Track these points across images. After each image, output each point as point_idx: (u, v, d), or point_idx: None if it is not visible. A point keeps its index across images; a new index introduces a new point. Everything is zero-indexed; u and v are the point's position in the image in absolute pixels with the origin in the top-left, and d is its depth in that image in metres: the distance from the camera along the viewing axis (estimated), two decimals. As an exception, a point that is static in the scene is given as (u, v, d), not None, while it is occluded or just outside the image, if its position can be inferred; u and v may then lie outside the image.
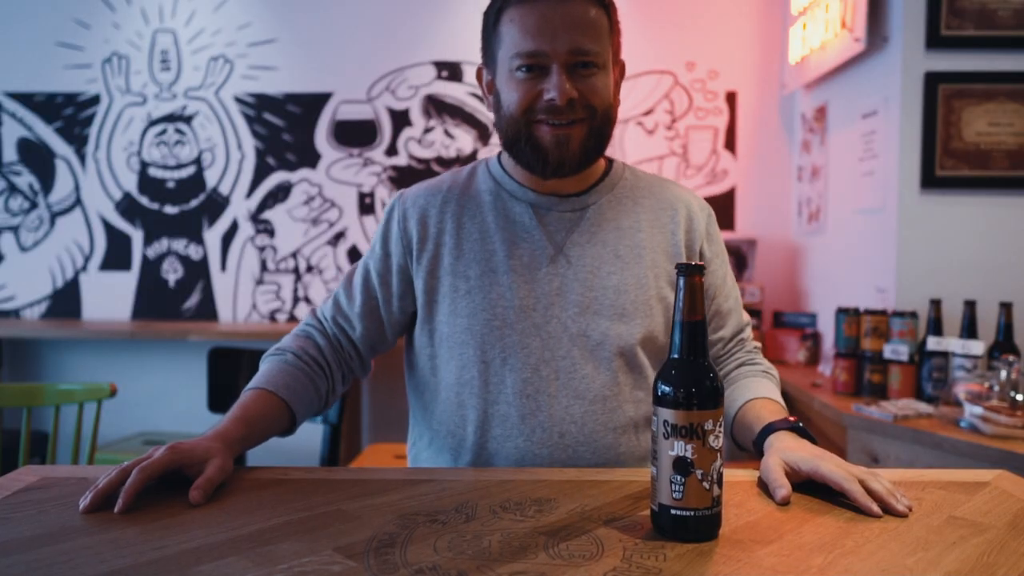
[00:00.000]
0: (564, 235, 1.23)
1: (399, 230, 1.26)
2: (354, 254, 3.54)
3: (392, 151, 3.52)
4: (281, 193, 3.55)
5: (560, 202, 1.24)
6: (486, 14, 1.22)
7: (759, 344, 1.37)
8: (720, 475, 0.85)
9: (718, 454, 0.84)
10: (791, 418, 1.11)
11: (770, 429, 1.09)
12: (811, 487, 1.00)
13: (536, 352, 1.19)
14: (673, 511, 0.84)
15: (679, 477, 0.84)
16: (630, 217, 1.26)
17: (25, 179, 3.58)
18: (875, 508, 0.93)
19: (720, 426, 0.85)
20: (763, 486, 1.04)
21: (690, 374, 0.85)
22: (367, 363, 1.33)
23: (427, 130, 3.51)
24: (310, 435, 2.98)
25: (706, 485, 0.83)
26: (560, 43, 1.13)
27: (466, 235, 1.23)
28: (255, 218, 3.56)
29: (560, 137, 1.16)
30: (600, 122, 1.18)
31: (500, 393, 1.19)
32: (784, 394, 2.97)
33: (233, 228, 3.56)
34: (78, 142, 3.57)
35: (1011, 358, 2.01)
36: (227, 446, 1.04)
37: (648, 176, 1.34)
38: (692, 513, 0.84)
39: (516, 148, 1.19)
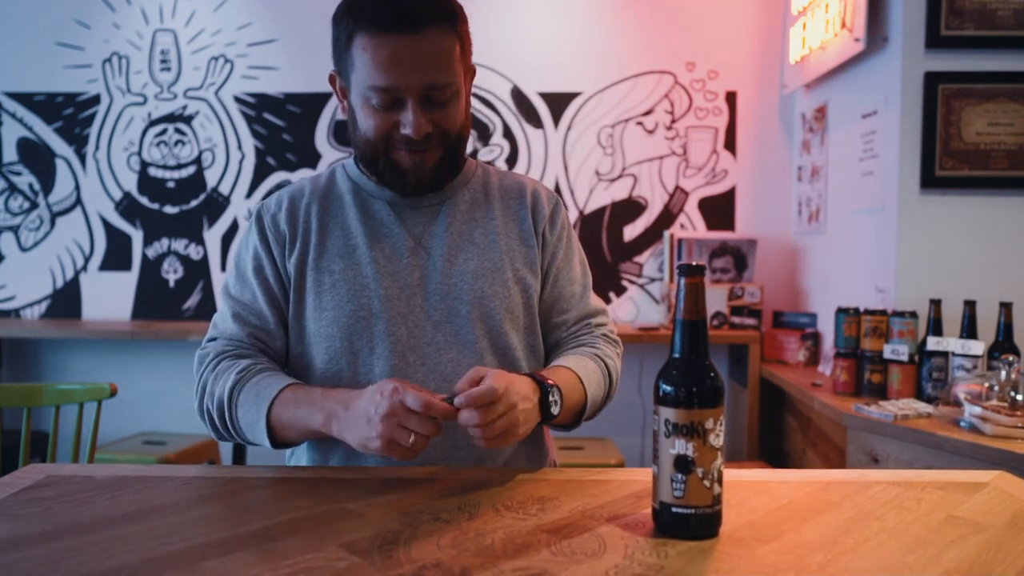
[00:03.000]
0: (422, 228, 1.27)
1: (273, 229, 1.27)
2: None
3: (392, 151, 3.52)
4: (281, 193, 3.55)
5: (417, 199, 1.28)
6: (336, 25, 1.19)
7: (616, 336, 1.39)
8: (720, 473, 0.86)
9: (719, 452, 0.85)
10: (550, 380, 1.13)
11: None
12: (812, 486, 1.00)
13: (403, 340, 1.21)
14: (674, 509, 0.85)
15: (680, 475, 0.84)
16: (483, 208, 1.31)
17: (25, 179, 3.59)
18: (464, 415, 1.00)
19: (721, 425, 0.85)
20: (762, 487, 1.04)
21: (691, 373, 0.85)
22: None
23: (427, 130, 3.51)
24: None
25: (707, 483, 0.84)
26: (413, 79, 1.14)
27: (329, 233, 1.26)
28: (255, 218, 3.55)
29: (417, 161, 1.20)
30: (454, 143, 1.22)
31: (369, 382, 1.19)
32: (784, 394, 2.98)
33: (233, 228, 3.57)
34: (78, 142, 3.57)
35: (1011, 358, 2.01)
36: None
37: (500, 171, 1.40)
38: (693, 511, 0.84)
39: (374, 167, 1.23)
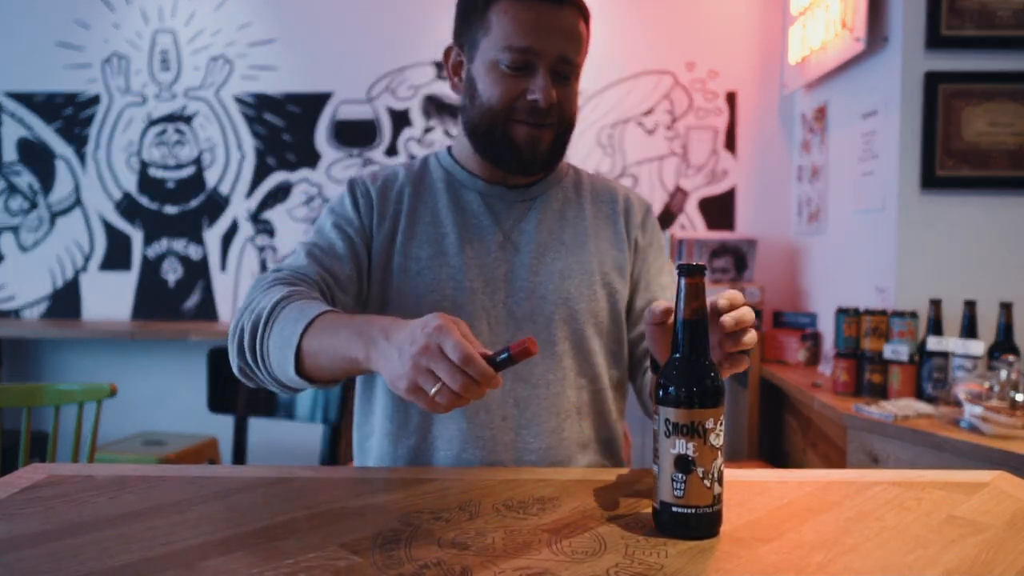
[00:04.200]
0: (512, 223, 1.26)
1: (365, 199, 1.25)
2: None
3: (392, 151, 3.52)
4: (281, 193, 3.55)
5: (508, 192, 1.27)
6: None
7: None
8: (721, 473, 0.86)
9: (719, 452, 0.85)
10: None
11: None
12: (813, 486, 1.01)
13: (483, 335, 1.20)
14: (674, 509, 0.85)
15: (680, 475, 0.84)
16: (574, 208, 1.30)
17: (25, 179, 3.59)
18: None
19: (721, 424, 0.85)
20: (762, 487, 1.04)
21: (691, 373, 0.85)
22: None
23: (427, 130, 3.52)
24: (310, 435, 2.98)
25: (707, 483, 0.84)
26: (551, 46, 1.15)
27: (419, 218, 1.25)
28: (255, 218, 3.56)
29: (534, 136, 1.19)
30: (565, 128, 1.22)
31: None
32: (784, 394, 2.98)
33: (233, 228, 3.57)
34: (78, 142, 3.57)
35: (1011, 358, 2.02)
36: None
37: (591, 173, 1.39)
38: (693, 511, 0.84)
39: (486, 140, 1.21)
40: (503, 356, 0.84)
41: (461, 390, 0.83)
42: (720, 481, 0.86)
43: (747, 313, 0.91)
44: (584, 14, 1.20)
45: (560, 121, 1.20)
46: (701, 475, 0.84)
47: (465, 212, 1.25)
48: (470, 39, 1.21)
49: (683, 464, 0.84)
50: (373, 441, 1.26)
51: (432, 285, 1.21)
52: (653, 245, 1.33)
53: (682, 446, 0.84)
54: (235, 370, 1.11)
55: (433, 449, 1.21)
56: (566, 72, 1.18)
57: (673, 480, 0.85)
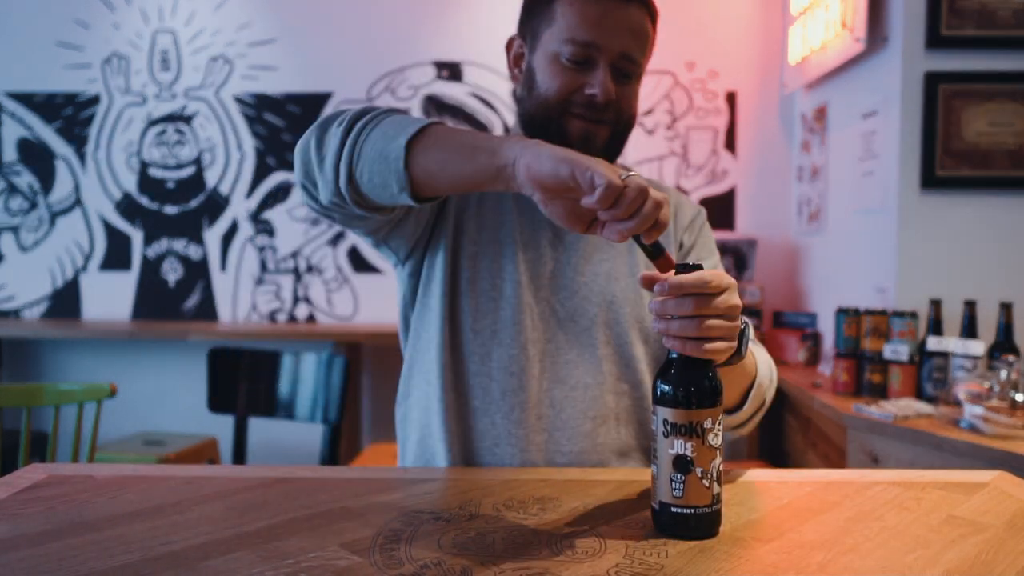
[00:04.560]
0: None
1: None
2: (354, 254, 3.54)
3: (392, 151, 3.52)
4: (281, 193, 3.55)
5: None
6: None
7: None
8: (720, 473, 0.85)
9: (717, 452, 0.84)
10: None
11: None
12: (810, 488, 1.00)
13: (526, 330, 1.18)
14: (673, 509, 0.85)
15: (679, 475, 0.84)
16: None
17: (25, 179, 3.59)
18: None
19: (719, 424, 0.85)
20: (762, 487, 1.04)
21: (689, 373, 0.85)
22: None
23: (427, 130, 3.51)
24: (310, 435, 2.99)
25: (706, 483, 0.84)
26: (614, 42, 1.13)
27: (487, 196, 1.23)
28: (255, 218, 3.56)
29: (589, 133, 1.16)
30: (623, 127, 1.19)
31: (483, 365, 1.18)
32: (784, 394, 2.98)
33: (233, 228, 3.57)
34: (78, 142, 3.57)
35: (1011, 358, 2.02)
36: None
37: (647, 178, 1.35)
38: (692, 511, 0.84)
39: (542, 132, 1.18)
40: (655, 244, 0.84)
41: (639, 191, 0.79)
42: (719, 481, 0.85)
43: (721, 287, 0.84)
44: (652, 14, 1.18)
45: (618, 119, 1.17)
46: (700, 475, 0.84)
47: (523, 203, 1.23)
48: (533, 31, 1.20)
49: (681, 464, 0.84)
50: (415, 413, 1.24)
51: (485, 272, 1.19)
52: (698, 246, 1.30)
53: (680, 446, 0.84)
54: (299, 170, 1.04)
55: (467, 440, 1.20)
56: (628, 70, 1.16)
57: (672, 480, 0.85)
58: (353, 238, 3.54)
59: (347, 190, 0.98)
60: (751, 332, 1.00)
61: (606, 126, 1.17)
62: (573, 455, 1.18)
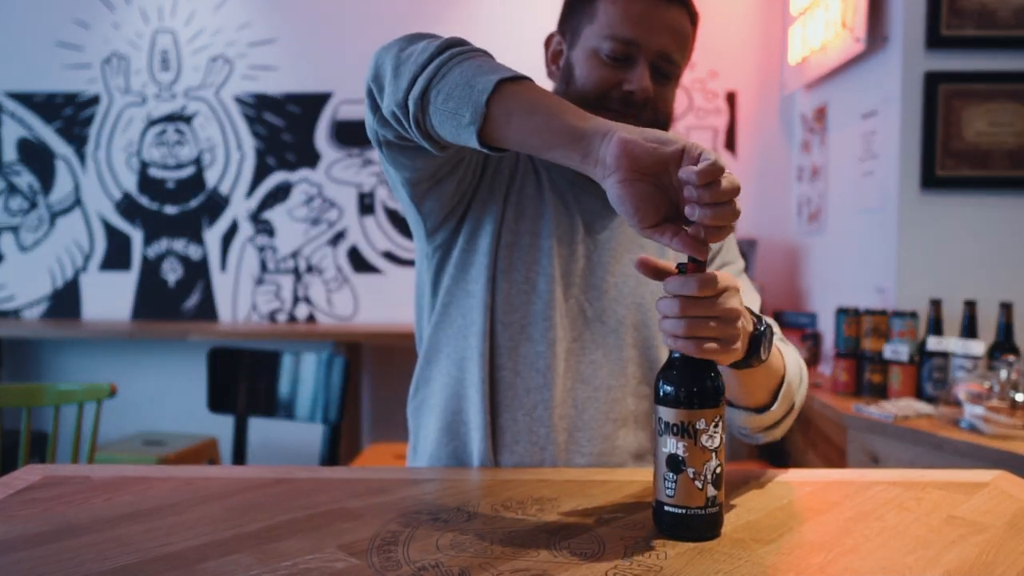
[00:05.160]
0: (593, 217, 1.22)
1: None
2: (354, 254, 3.54)
3: (392, 151, 3.52)
4: (281, 193, 3.55)
5: (592, 184, 1.22)
6: None
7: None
8: (717, 476, 0.84)
9: (712, 454, 0.83)
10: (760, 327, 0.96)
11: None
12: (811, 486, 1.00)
13: (555, 327, 1.17)
14: (666, 507, 0.85)
15: (671, 475, 0.84)
16: None
17: (25, 179, 3.59)
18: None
19: (716, 426, 0.83)
20: (762, 487, 1.04)
21: (686, 373, 0.85)
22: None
23: (427, 130, 3.51)
24: (310, 435, 2.98)
25: (698, 484, 0.83)
26: (654, 40, 1.13)
27: (527, 182, 1.22)
28: (255, 218, 3.56)
29: None
30: (660, 128, 1.16)
31: (511, 359, 1.17)
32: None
33: (233, 228, 3.57)
34: (78, 142, 3.57)
35: (1011, 358, 2.01)
36: None
37: None
38: (684, 511, 0.83)
39: None
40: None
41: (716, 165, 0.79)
42: (715, 484, 0.84)
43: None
44: (693, 16, 1.18)
45: (655, 119, 1.16)
46: (692, 476, 0.83)
47: (561, 197, 1.22)
48: (573, 27, 1.19)
49: (674, 464, 0.83)
50: (436, 401, 1.22)
51: (519, 264, 1.18)
52: (724, 250, 1.27)
53: (673, 445, 0.83)
54: (371, 72, 0.99)
55: (497, 467, 1.17)
56: (667, 70, 1.16)
57: (665, 479, 0.84)
58: (353, 238, 3.54)
59: (415, 104, 0.93)
60: (773, 334, 0.99)
61: (642, 124, 1.16)
62: (593, 456, 1.17)
